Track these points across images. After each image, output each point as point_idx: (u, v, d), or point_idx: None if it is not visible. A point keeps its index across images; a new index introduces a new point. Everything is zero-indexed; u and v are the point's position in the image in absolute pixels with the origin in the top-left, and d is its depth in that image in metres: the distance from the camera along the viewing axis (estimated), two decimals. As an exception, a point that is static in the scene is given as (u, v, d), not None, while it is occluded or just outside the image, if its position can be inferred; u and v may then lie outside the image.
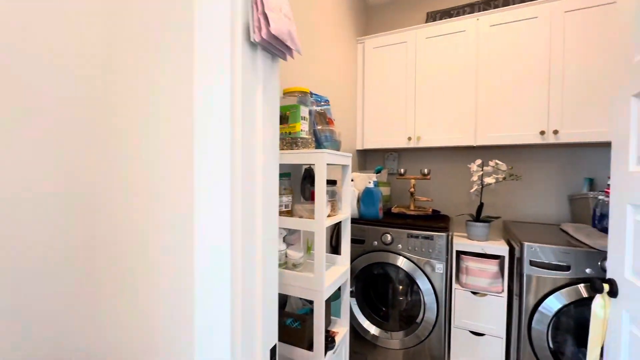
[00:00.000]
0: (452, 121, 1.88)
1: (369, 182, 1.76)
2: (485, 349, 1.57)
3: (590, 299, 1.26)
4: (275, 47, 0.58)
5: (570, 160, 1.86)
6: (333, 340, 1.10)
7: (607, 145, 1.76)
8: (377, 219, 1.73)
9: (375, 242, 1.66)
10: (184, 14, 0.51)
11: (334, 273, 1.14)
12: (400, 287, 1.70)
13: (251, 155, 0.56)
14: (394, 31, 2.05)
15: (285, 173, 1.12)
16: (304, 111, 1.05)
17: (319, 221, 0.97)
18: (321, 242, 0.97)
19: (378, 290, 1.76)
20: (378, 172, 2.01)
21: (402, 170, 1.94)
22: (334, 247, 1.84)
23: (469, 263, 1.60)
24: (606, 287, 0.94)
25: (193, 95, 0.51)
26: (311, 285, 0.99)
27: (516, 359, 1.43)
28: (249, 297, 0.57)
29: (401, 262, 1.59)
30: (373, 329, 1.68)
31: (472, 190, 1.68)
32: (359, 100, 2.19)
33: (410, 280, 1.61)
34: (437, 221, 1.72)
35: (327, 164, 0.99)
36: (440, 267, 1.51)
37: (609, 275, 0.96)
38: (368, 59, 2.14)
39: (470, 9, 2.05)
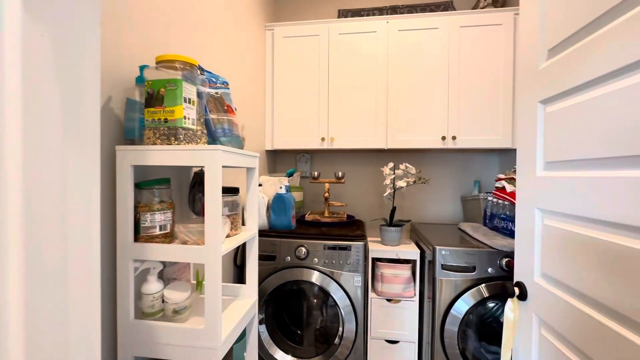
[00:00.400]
0: (365, 123, 1.83)
1: (280, 187, 1.53)
2: (399, 354, 1.53)
3: (489, 299, 1.34)
4: None
5: (463, 164, 2.04)
6: (235, 405, 0.81)
7: (492, 151, 2.03)
8: (290, 230, 1.51)
9: (289, 258, 1.43)
10: None
11: (237, 312, 0.85)
12: (316, 303, 1.52)
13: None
14: (306, 22, 1.87)
15: (162, 179, 0.77)
16: (190, 91, 0.73)
17: (211, 248, 0.67)
18: (215, 277, 0.68)
19: (292, 312, 1.54)
20: (290, 175, 1.80)
21: (315, 174, 1.78)
22: (240, 267, 1.53)
23: (384, 270, 1.54)
24: (516, 290, 0.95)
25: None
26: (201, 341, 0.68)
27: (429, 362, 1.43)
28: None
29: (317, 277, 1.41)
30: (288, 359, 1.44)
31: (385, 194, 1.64)
32: (269, 94, 1.93)
33: (326, 296, 1.45)
34: (352, 228, 1.62)
35: (224, 167, 0.71)
36: (358, 279, 1.39)
37: (517, 279, 0.97)
38: (278, 49, 1.91)
39: (379, 12, 2.05)
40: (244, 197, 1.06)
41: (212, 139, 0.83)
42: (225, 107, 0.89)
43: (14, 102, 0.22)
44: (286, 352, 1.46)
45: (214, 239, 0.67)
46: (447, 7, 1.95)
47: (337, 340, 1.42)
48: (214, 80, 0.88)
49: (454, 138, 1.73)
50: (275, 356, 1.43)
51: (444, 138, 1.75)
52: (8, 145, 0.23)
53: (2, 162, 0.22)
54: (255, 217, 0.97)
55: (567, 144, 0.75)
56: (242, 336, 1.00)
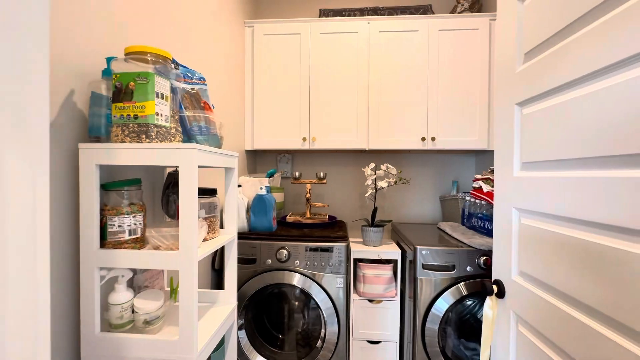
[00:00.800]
0: (347, 123, 1.82)
1: (261, 188, 1.49)
2: (381, 355, 1.54)
3: (468, 296, 1.37)
4: None
5: (442, 165, 2.08)
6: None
7: (469, 152, 2.09)
8: (271, 232, 1.48)
9: (269, 260, 1.39)
10: None
11: (215, 320, 0.81)
12: (298, 306, 1.50)
13: None
14: (287, 20, 1.84)
15: (131, 180, 0.72)
16: (163, 86, 0.69)
17: (186, 254, 0.63)
18: (191, 285, 0.63)
19: (272, 315, 1.50)
20: (270, 176, 1.76)
21: (297, 174, 1.75)
22: (218, 271, 1.47)
23: (366, 271, 1.53)
24: (494, 288, 0.97)
25: None
26: (176, 352, 0.64)
27: (411, 359, 1.44)
28: None
29: (298, 280, 1.38)
30: (269, 365, 1.40)
31: (367, 195, 1.64)
32: (248, 92, 1.88)
33: (308, 298, 1.42)
34: (334, 229, 1.60)
35: (201, 167, 0.67)
36: (340, 281, 1.38)
37: (494, 277, 1.00)
38: (258, 47, 1.86)
39: (360, 13, 2.06)
40: (222, 199, 1.02)
41: (188, 137, 0.78)
42: (202, 104, 0.85)
43: None
44: (267, 357, 1.42)
45: (189, 244, 0.63)
46: (426, 10, 1.99)
47: (319, 343, 1.40)
48: (189, 75, 0.84)
49: (433, 139, 1.76)
50: (257, 363, 1.39)
51: (423, 139, 1.77)
52: None
53: None
54: (235, 220, 0.93)
55: (542, 145, 0.78)
56: (221, 344, 0.95)
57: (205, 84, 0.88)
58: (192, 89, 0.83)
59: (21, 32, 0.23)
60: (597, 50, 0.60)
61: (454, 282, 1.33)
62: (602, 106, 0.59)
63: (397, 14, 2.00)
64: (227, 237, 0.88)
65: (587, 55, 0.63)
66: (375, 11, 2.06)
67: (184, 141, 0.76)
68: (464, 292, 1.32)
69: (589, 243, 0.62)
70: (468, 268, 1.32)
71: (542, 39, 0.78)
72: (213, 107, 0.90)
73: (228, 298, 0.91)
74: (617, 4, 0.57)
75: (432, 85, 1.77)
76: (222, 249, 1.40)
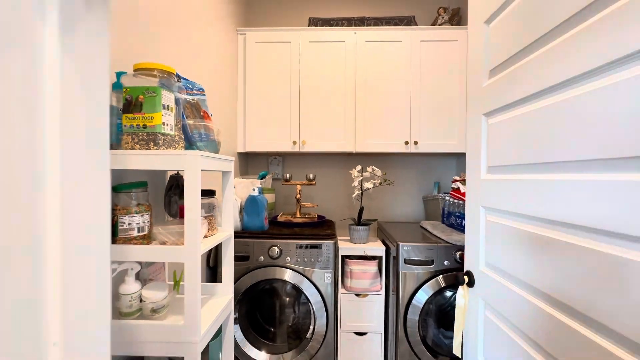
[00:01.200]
0: (335, 127, 1.92)
1: (253, 190, 1.57)
2: (369, 346, 1.64)
3: (446, 288, 1.49)
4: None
5: (425, 167, 2.20)
6: (213, 398, 0.85)
7: (450, 155, 2.22)
8: (263, 231, 1.56)
9: (262, 257, 1.48)
10: None
11: (214, 309, 0.89)
12: (289, 301, 1.58)
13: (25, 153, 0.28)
14: (278, 28, 1.93)
15: (139, 182, 0.79)
16: (168, 98, 0.77)
17: (191, 248, 0.71)
18: (195, 275, 0.72)
19: (265, 310, 1.59)
20: (262, 177, 1.84)
21: (287, 176, 1.83)
22: (212, 268, 1.55)
23: (353, 266, 1.63)
24: (465, 278, 1.08)
25: None
26: (181, 336, 0.72)
27: (394, 348, 1.55)
28: None
29: (289, 275, 1.47)
30: (262, 357, 1.49)
31: (353, 195, 1.74)
32: (240, 97, 1.96)
33: (299, 293, 1.51)
34: (323, 228, 1.70)
35: (203, 170, 0.75)
36: (329, 275, 1.48)
37: (466, 268, 1.11)
38: (250, 54, 1.94)
39: (347, 22, 2.16)
40: (219, 200, 1.09)
41: (189, 143, 0.86)
42: (202, 113, 0.93)
43: (53, 122, 0.27)
44: (259, 349, 1.50)
45: (194, 239, 0.71)
46: (410, 21, 2.11)
47: (309, 334, 1.49)
48: (190, 87, 0.92)
49: (415, 143, 1.88)
50: (249, 354, 1.47)
51: (407, 143, 1.89)
52: (49, 153, 0.27)
53: (44, 170, 0.27)
54: (231, 219, 1.01)
55: (504, 152, 0.89)
56: (218, 334, 1.03)
57: (204, 95, 0.96)
58: (193, 99, 0.91)
59: (96, 73, 0.31)
60: (545, 72, 0.72)
61: (433, 275, 1.45)
62: (550, 120, 0.71)
63: (382, 24, 2.12)
64: (225, 234, 0.96)
65: (539, 74, 0.74)
66: (362, 20, 2.17)
67: (185, 147, 0.84)
68: (442, 284, 1.44)
69: (535, 235, 0.74)
70: (446, 262, 1.44)
71: (503, 59, 0.89)
72: (211, 115, 0.98)
73: (225, 290, 0.99)
74: (558, 35, 0.68)
75: (414, 92, 1.89)
76: (216, 248, 1.47)
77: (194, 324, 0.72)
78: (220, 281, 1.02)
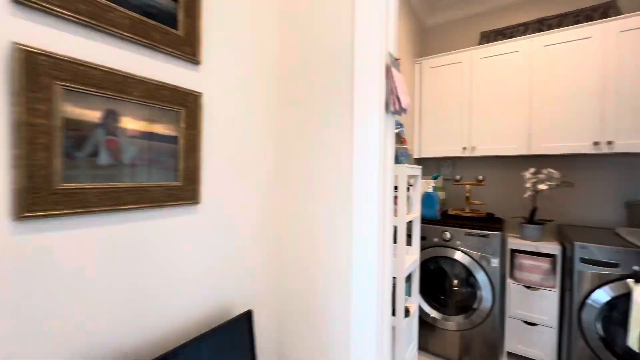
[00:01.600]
0: (506, 132, 2.09)
1: (429, 187, 2.04)
2: (539, 337, 1.77)
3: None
4: (399, 112, 0.93)
5: (627, 168, 1.95)
6: (408, 311, 1.42)
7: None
8: (436, 219, 2.01)
9: (436, 239, 1.94)
10: (346, 97, 0.90)
11: (408, 259, 1.46)
12: (458, 279, 1.96)
13: (385, 169, 0.91)
14: (449, 52, 2.30)
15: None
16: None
17: (400, 218, 1.30)
18: (402, 233, 1.30)
19: (437, 281, 2.03)
20: (435, 178, 2.28)
21: (457, 177, 2.18)
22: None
23: (523, 260, 1.81)
24: (646, 278, 1.14)
25: (352, 138, 0.90)
26: (395, 266, 1.32)
27: (568, 346, 1.62)
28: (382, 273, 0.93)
29: (459, 256, 1.85)
30: (434, 313, 1.96)
31: (525, 195, 1.88)
32: (416, 114, 2.47)
33: (468, 273, 1.86)
34: (491, 222, 1.95)
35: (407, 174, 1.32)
36: (495, 261, 1.75)
37: (649, 269, 1.16)
38: (425, 78, 2.41)
39: (524, 28, 2.22)
40: (412, 193, 1.66)
41: (396, 159, 1.46)
42: (402, 139, 1.51)
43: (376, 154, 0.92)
44: (432, 307, 1.97)
45: (402, 213, 1.29)
46: (607, 10, 1.93)
47: (475, 305, 1.82)
48: (397, 124, 1.52)
49: (609, 143, 1.77)
50: (424, 309, 1.97)
51: (596, 143, 1.81)
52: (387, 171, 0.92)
53: (386, 178, 0.91)
54: (418, 205, 1.55)
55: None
56: (407, 279, 1.60)
57: (403, 127, 1.54)
58: (397, 131, 1.51)
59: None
60: None
61: (617, 278, 1.44)
62: None
63: (568, 21, 2.05)
64: (415, 215, 1.51)
65: None
66: (541, 22, 2.17)
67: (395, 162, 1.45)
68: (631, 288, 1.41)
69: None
70: (635, 267, 1.40)
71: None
72: (406, 139, 1.56)
73: (414, 251, 1.55)
74: None
75: (609, 88, 1.77)
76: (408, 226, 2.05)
77: (402, 261, 1.30)
78: (411, 245, 1.58)
